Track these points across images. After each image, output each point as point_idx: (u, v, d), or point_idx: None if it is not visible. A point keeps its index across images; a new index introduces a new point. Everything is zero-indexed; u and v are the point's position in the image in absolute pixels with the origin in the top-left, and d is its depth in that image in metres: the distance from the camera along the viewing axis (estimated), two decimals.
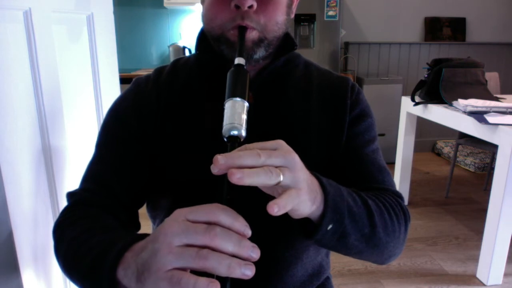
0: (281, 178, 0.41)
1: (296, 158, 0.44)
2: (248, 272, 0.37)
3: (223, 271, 0.37)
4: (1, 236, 0.87)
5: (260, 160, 0.41)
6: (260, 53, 0.64)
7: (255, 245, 0.39)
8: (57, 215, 1.06)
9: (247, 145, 0.43)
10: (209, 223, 0.39)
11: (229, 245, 0.38)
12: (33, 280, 0.98)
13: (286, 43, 0.71)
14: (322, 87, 0.73)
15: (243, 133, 0.47)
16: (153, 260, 0.39)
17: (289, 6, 0.67)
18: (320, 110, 0.71)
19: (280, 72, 0.72)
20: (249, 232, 0.40)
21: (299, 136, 0.69)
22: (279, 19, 0.64)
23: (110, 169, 0.67)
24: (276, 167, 0.41)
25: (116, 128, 0.70)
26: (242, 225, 0.39)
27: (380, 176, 0.69)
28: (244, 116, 0.48)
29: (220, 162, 0.39)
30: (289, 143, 0.46)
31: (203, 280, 0.36)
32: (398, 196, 0.67)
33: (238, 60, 0.55)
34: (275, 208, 0.39)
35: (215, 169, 0.40)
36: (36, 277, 1.00)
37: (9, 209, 0.88)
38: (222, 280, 0.38)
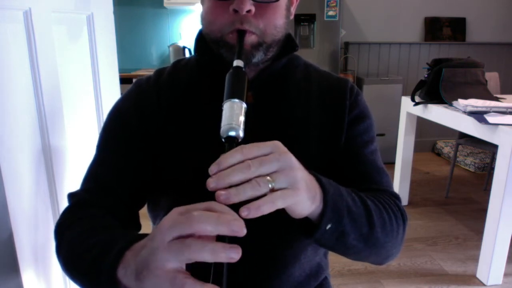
0: (272, 185, 0.42)
1: (292, 158, 0.44)
2: (233, 255, 0.37)
3: (208, 257, 0.37)
4: (1, 236, 0.87)
5: (250, 172, 0.42)
6: (258, 56, 0.65)
7: (236, 217, 0.39)
8: (57, 215, 1.06)
9: (243, 146, 0.44)
10: None
11: (207, 225, 0.38)
12: (33, 280, 0.98)
13: (287, 44, 0.71)
14: (321, 88, 0.73)
15: (241, 134, 0.48)
16: (151, 259, 0.39)
17: (288, 8, 0.67)
18: (319, 111, 0.71)
19: (280, 73, 0.72)
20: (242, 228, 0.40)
21: (298, 137, 0.69)
22: (278, 23, 0.64)
23: (112, 169, 0.67)
24: (271, 172, 0.42)
25: (118, 129, 0.70)
26: (232, 216, 0.39)
27: (378, 177, 0.69)
28: (242, 117, 0.49)
29: (211, 186, 0.41)
30: (288, 143, 0.46)
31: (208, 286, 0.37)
32: (396, 197, 0.67)
33: (237, 62, 0.56)
34: (245, 212, 0.40)
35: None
36: (36, 277, 1.00)
37: (9, 209, 0.88)
38: (219, 273, 0.39)
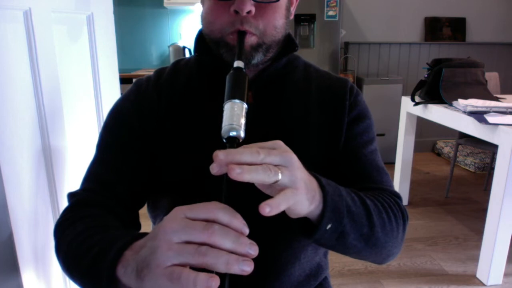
0: (279, 176, 0.42)
1: (294, 157, 0.44)
2: (246, 268, 0.38)
3: (221, 268, 0.37)
4: (1, 236, 0.87)
5: (259, 157, 0.41)
6: (258, 57, 0.65)
7: (253, 242, 0.39)
8: (57, 215, 1.06)
9: (246, 146, 0.44)
10: (207, 221, 0.39)
11: (227, 242, 0.38)
12: (33, 280, 0.98)
13: (287, 44, 0.71)
14: (321, 89, 0.73)
15: (242, 134, 0.48)
16: (153, 257, 0.39)
17: (288, 9, 0.68)
18: (319, 111, 0.71)
19: (279, 74, 0.72)
20: (246, 230, 0.40)
21: (298, 137, 0.69)
22: (278, 23, 0.64)
23: (111, 169, 0.67)
24: (275, 165, 0.42)
25: (117, 128, 0.70)
26: (240, 223, 0.40)
27: (378, 176, 0.69)
28: (243, 118, 0.49)
29: (220, 158, 0.40)
30: (288, 144, 0.46)
31: (202, 275, 0.37)
32: (396, 196, 0.67)
33: (237, 63, 0.56)
34: (267, 208, 0.39)
35: (214, 169, 0.41)
36: (36, 277, 1.00)
37: (9, 209, 0.88)
38: (221, 276, 0.39)
